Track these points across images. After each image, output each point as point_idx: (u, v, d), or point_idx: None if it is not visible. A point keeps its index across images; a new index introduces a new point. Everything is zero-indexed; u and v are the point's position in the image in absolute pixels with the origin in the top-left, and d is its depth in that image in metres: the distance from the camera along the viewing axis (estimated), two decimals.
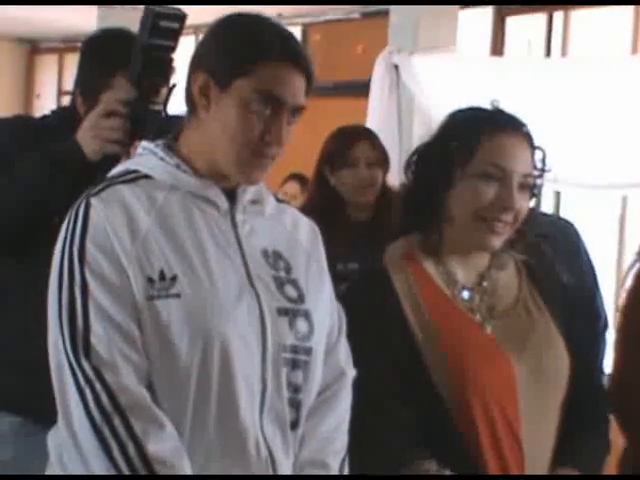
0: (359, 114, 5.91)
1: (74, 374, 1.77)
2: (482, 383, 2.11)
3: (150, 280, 1.80)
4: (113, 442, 1.74)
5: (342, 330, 2.04)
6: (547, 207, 5.87)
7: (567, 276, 2.34)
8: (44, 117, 2.68)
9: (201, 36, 1.97)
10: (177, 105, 2.07)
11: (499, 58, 6.50)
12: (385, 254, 2.25)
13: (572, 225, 3.57)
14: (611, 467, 2.39)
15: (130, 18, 5.59)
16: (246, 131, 1.86)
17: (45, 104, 10.22)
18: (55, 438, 1.86)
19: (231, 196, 1.92)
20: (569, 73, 5.48)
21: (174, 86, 2.24)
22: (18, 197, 2.28)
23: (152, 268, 1.80)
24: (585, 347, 2.29)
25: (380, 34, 6.51)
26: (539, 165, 2.22)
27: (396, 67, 6.18)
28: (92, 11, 8.20)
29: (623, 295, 2.43)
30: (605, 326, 3.56)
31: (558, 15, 6.40)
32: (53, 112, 2.70)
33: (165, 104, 2.23)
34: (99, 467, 1.75)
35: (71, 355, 1.77)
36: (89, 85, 2.48)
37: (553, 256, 2.36)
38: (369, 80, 6.29)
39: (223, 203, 1.91)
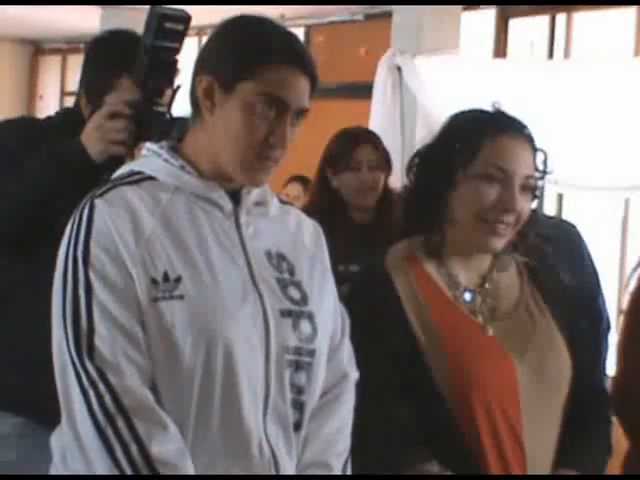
0: (362, 116, 5.91)
1: (78, 375, 1.77)
2: (484, 383, 2.12)
3: (154, 281, 1.80)
4: (116, 443, 1.74)
5: (345, 332, 2.04)
6: (550, 209, 5.88)
7: (569, 278, 2.34)
8: (48, 118, 2.68)
9: (204, 38, 1.97)
10: (181, 107, 2.08)
11: (502, 60, 6.50)
12: (387, 256, 2.25)
13: (575, 227, 3.57)
14: (614, 469, 2.39)
15: (133, 19, 5.61)
16: (250, 134, 1.86)
17: (48, 105, 10.24)
18: (59, 439, 1.86)
19: (235, 198, 1.93)
20: (572, 75, 5.48)
21: (178, 88, 2.24)
22: (23, 197, 2.28)
23: (156, 270, 1.81)
24: (587, 349, 2.29)
25: (383, 36, 6.52)
26: (540, 167, 2.22)
27: (399, 69, 6.18)
28: (95, 12, 8.21)
29: (626, 297, 2.43)
30: (607, 328, 3.56)
31: (561, 17, 6.40)
32: (57, 113, 2.71)
33: (169, 106, 2.24)
34: (102, 468, 1.75)
35: (75, 356, 1.77)
36: (93, 86, 2.48)
37: (555, 258, 2.37)
38: (372, 82, 6.29)
39: (227, 205, 1.91)
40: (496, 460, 2.10)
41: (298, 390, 1.90)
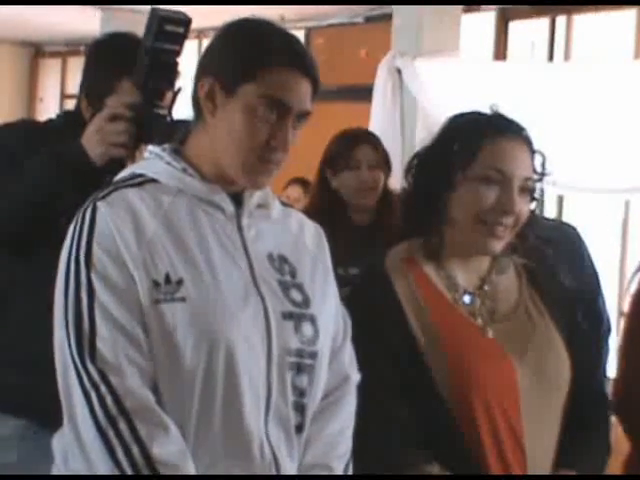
0: (362, 118, 5.92)
1: (79, 377, 1.77)
2: (484, 384, 2.12)
3: (156, 284, 1.80)
4: (118, 445, 1.75)
5: (347, 334, 2.04)
6: (550, 212, 5.88)
7: (569, 279, 2.34)
8: (49, 121, 2.69)
9: (205, 41, 1.98)
10: (183, 109, 2.08)
11: (502, 62, 6.50)
12: (386, 258, 2.25)
13: (575, 229, 3.58)
14: (614, 469, 2.39)
15: (134, 22, 5.62)
16: (252, 136, 1.86)
17: (48, 108, 10.24)
18: (61, 441, 1.87)
19: (237, 200, 1.93)
20: (572, 77, 5.48)
21: (179, 90, 2.25)
22: (23, 197, 2.28)
23: (158, 272, 1.81)
24: (586, 349, 2.29)
25: (383, 38, 6.52)
26: (539, 169, 2.23)
27: (399, 71, 6.19)
28: (95, 14, 8.21)
29: (627, 299, 2.43)
30: (608, 330, 3.56)
31: (561, 19, 6.40)
32: (58, 116, 2.71)
33: (170, 108, 2.24)
34: (104, 469, 1.76)
35: (77, 358, 1.77)
36: (94, 89, 2.49)
37: (555, 260, 2.37)
38: (372, 84, 6.30)
39: (229, 207, 1.92)
40: (496, 460, 2.11)
41: (300, 392, 1.90)
